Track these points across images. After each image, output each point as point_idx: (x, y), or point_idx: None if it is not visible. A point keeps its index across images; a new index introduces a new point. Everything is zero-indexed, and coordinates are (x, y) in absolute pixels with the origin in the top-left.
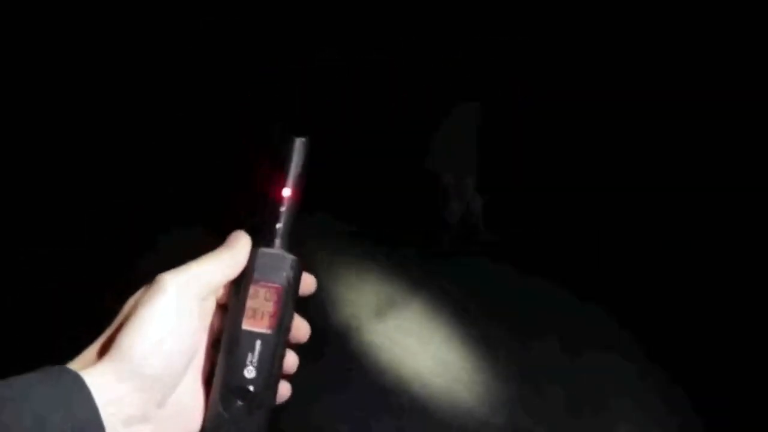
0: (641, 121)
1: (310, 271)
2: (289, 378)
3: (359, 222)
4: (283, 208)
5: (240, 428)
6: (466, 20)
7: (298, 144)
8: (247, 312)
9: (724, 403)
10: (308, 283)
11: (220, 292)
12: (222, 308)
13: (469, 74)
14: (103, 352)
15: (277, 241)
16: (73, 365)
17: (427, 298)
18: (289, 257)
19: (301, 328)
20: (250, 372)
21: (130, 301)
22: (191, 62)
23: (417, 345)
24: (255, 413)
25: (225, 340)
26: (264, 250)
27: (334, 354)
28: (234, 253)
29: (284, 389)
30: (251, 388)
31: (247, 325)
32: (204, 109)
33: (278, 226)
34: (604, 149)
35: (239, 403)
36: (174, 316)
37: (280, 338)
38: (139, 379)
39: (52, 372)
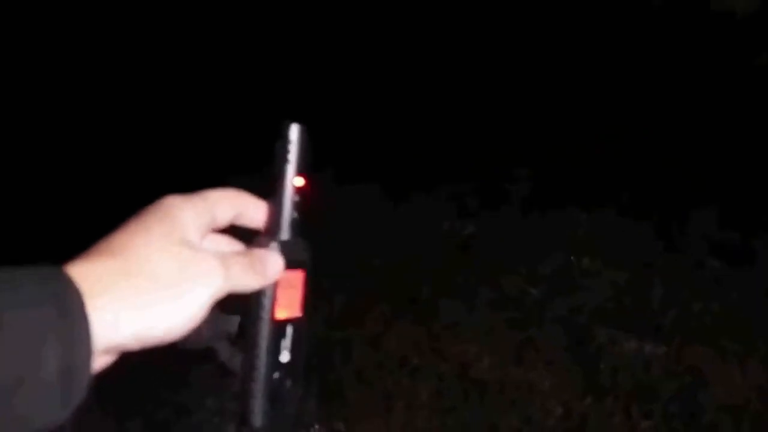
0: None
1: None
2: None
3: None
4: (294, 198)
5: (284, 411)
6: None
7: (297, 131)
8: (279, 302)
9: None
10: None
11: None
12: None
13: None
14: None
15: (289, 230)
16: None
17: None
18: (303, 242)
19: None
20: (284, 356)
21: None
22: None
23: None
24: (292, 392)
25: (256, 333)
26: (283, 240)
27: None
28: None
29: None
30: (288, 371)
31: (280, 315)
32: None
33: (289, 215)
34: None
35: (279, 389)
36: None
37: (305, 317)
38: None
39: (56, 288)
